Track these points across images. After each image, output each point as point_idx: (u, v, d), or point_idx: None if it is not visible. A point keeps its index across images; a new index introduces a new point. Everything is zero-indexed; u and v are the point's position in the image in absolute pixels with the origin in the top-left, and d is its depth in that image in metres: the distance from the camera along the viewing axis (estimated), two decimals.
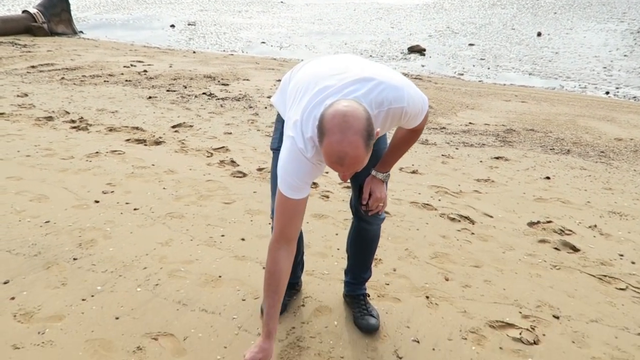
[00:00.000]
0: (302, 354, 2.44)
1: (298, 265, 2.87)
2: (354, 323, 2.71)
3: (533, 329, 2.76)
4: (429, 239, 3.85)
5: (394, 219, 4.20)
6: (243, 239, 3.66)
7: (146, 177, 4.81)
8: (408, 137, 2.31)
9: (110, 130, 6.24)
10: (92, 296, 2.82)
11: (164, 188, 4.56)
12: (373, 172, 2.40)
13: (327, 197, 4.57)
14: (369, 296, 2.87)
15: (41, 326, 2.52)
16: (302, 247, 2.85)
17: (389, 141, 2.42)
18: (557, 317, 2.90)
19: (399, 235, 3.90)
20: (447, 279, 3.25)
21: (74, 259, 3.23)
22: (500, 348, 2.59)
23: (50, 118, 6.60)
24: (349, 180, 2.13)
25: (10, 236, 3.48)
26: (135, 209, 4.08)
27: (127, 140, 5.89)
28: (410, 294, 3.05)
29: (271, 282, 2.09)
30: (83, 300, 2.78)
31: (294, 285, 2.93)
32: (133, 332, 2.52)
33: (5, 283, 2.89)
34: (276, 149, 2.41)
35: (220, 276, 3.13)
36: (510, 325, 2.79)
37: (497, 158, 5.92)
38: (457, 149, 6.24)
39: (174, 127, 6.51)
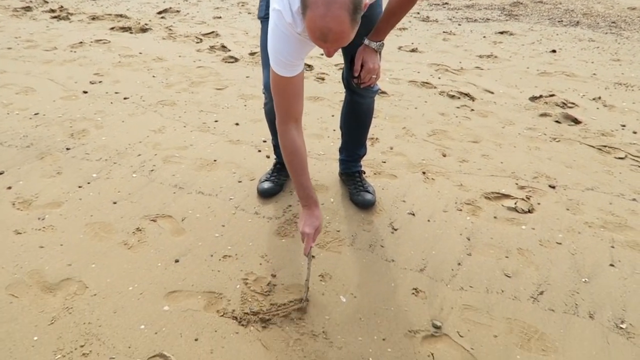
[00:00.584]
0: (298, 230, 2.48)
1: None
2: (350, 199, 2.72)
3: (528, 198, 2.78)
4: (427, 117, 3.76)
5: (392, 99, 4.07)
6: (237, 124, 3.59)
7: (134, 65, 4.62)
8: (405, 1, 2.11)
9: (93, 19, 5.89)
10: (89, 183, 2.82)
11: (153, 76, 4.39)
12: (366, 42, 2.23)
13: (323, 79, 4.40)
14: (364, 173, 2.86)
15: (40, 212, 2.55)
16: None
17: (384, 6, 2.22)
18: (553, 187, 2.91)
19: (396, 114, 3.81)
20: (444, 155, 3.22)
21: (67, 149, 3.19)
22: (495, 217, 2.63)
23: (28, 8, 6.21)
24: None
25: (0, 129, 3.42)
26: (125, 98, 3.96)
27: (112, 28, 5.58)
28: (407, 171, 3.04)
29: (295, 162, 2.01)
30: (79, 187, 2.79)
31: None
32: (131, 215, 2.56)
33: (0, 174, 2.88)
34: (264, 17, 2.23)
35: (215, 160, 3.11)
36: (505, 196, 2.80)
37: (501, 33, 5.60)
38: (459, 25, 5.90)
39: (159, 13, 6.13)
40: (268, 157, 3.14)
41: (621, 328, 1.97)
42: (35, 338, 1.85)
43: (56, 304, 2.00)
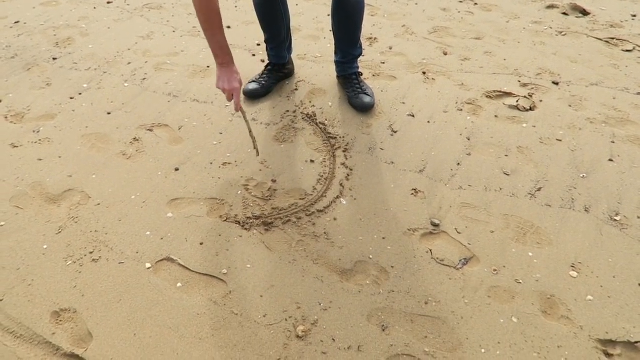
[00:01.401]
0: (298, 135, 2.46)
1: (282, 44, 2.68)
2: (349, 103, 2.66)
3: (531, 96, 2.72)
4: (428, 13, 3.57)
5: None
6: (229, 27, 3.41)
7: None
8: None
9: None
10: (80, 94, 2.75)
11: None
12: None
13: None
14: (362, 75, 2.77)
15: (34, 125, 2.52)
16: (287, 23, 2.63)
17: None
18: (557, 84, 2.83)
19: (395, 11, 3.61)
20: (445, 54, 3.10)
21: (54, 58, 3.07)
22: (496, 116, 2.58)
23: None
24: None
25: None
26: (108, 2, 3.74)
27: None
28: (406, 71, 2.94)
29: (210, 18, 1.98)
30: (71, 98, 2.72)
31: (282, 68, 2.79)
32: (127, 125, 2.52)
33: None
34: None
35: (208, 66, 3.00)
36: (507, 94, 2.74)
37: None
38: None
39: None
40: (263, 61, 3.02)
41: (615, 220, 2.01)
42: (45, 246, 1.90)
43: (61, 214, 2.04)
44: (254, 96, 2.69)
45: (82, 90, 2.78)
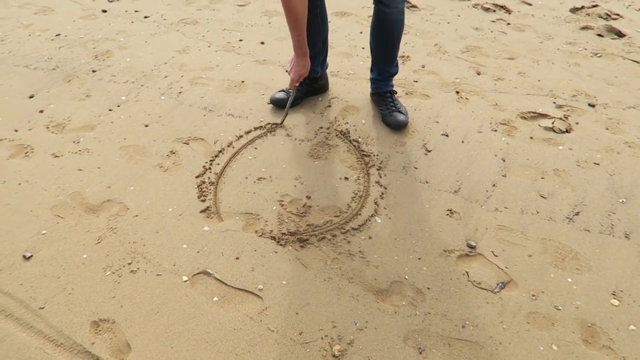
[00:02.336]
0: (331, 152, 2.47)
1: (316, 57, 2.67)
2: (382, 120, 2.67)
3: (566, 118, 2.69)
4: (460, 32, 3.57)
5: (423, 13, 3.86)
6: (262, 43, 3.47)
7: None
8: None
9: None
10: (118, 106, 2.81)
11: None
12: None
13: None
14: (396, 93, 2.77)
15: (75, 136, 2.58)
16: (324, 37, 2.69)
17: None
18: (593, 106, 2.80)
19: (428, 30, 3.62)
20: (478, 73, 3.09)
21: (93, 71, 3.15)
22: (531, 138, 2.56)
23: None
24: None
25: (24, 51, 3.37)
26: (145, 17, 3.84)
27: None
28: (439, 90, 2.94)
29: (294, 18, 2.20)
30: (110, 110, 2.78)
31: (313, 82, 2.79)
32: (164, 138, 2.57)
33: (30, 97, 2.88)
34: None
35: (243, 81, 3.04)
36: (542, 116, 2.71)
37: None
38: None
39: None
40: None
41: None
42: (85, 256, 1.94)
43: (100, 224, 2.08)
44: (278, 105, 2.76)
45: (120, 102, 2.84)
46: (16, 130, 2.61)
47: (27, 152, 2.46)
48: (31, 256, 1.93)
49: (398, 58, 2.66)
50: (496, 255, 1.95)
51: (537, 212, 2.13)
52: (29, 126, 2.64)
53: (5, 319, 1.71)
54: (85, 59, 3.28)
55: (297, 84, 2.51)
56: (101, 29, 3.66)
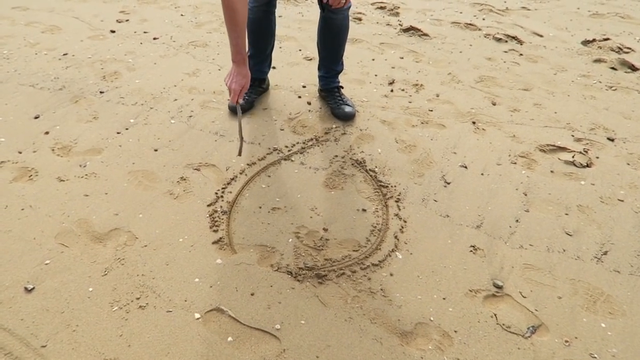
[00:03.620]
0: (347, 181, 2.40)
1: (265, 60, 2.95)
2: (332, 114, 2.87)
3: (586, 152, 2.63)
4: (473, 62, 3.55)
5: (435, 42, 3.84)
6: (274, 67, 3.42)
7: (160, 3, 4.40)
8: None
9: None
10: (127, 129, 2.73)
11: (181, 15, 4.18)
12: None
13: (360, 19, 4.15)
14: (342, 88, 2.96)
15: (81, 159, 2.49)
16: (273, 40, 2.90)
17: None
18: (612, 140, 2.75)
19: (440, 59, 3.60)
20: (494, 104, 3.05)
21: (101, 92, 3.08)
22: (552, 172, 2.50)
23: None
24: None
25: (30, 70, 3.31)
26: (155, 39, 3.79)
27: None
28: (455, 120, 2.89)
29: (234, 19, 2.11)
30: (118, 133, 2.70)
31: (262, 82, 3.01)
32: (174, 163, 2.48)
33: (36, 118, 2.80)
34: None
35: (254, 107, 2.98)
36: (562, 149, 2.66)
37: None
38: None
39: None
40: (309, 103, 3.00)
41: None
42: (90, 289, 1.83)
43: (107, 254, 1.97)
44: (234, 111, 2.83)
45: (128, 125, 2.77)
46: (20, 152, 2.51)
47: (31, 176, 2.36)
48: (33, 288, 1.82)
49: (410, 86, 2.65)
50: (524, 297, 1.85)
51: (564, 251, 2.05)
52: (34, 148, 2.55)
53: (5, 357, 1.59)
54: (92, 79, 3.22)
55: (241, 100, 2.27)
56: (109, 49, 3.61)
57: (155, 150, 2.57)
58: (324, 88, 2.95)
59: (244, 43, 2.19)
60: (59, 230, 2.07)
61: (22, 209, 2.16)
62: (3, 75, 3.23)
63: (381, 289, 1.86)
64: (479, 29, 4.02)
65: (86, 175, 2.39)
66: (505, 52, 3.68)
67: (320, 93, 3.01)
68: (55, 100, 2.97)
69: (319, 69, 2.94)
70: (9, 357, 1.59)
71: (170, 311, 1.76)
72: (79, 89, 3.10)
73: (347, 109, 2.82)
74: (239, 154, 2.33)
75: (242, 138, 2.28)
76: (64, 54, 3.51)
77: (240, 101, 2.24)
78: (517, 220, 2.19)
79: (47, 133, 2.67)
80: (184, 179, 2.38)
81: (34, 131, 2.69)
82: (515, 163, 2.55)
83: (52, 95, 3.03)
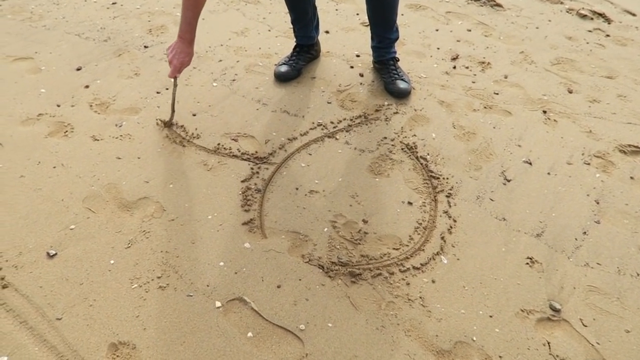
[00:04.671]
0: (395, 168, 2.18)
1: (309, 24, 2.67)
2: (385, 89, 2.61)
3: None
4: (550, 40, 3.16)
5: (508, 14, 3.45)
6: (327, 32, 3.17)
7: None
8: None
9: None
10: (167, 89, 2.59)
11: None
12: None
13: None
14: (398, 60, 2.67)
15: (118, 118, 2.38)
16: (313, 2, 2.64)
17: None
18: None
19: (513, 34, 3.22)
20: (570, 91, 2.69)
21: (145, 46, 2.95)
22: (632, 178, 2.18)
23: None
24: None
25: (78, 18, 3.21)
26: None
27: None
28: (523, 107, 2.57)
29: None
30: (157, 93, 2.57)
31: (310, 49, 2.77)
32: (211, 131, 2.33)
33: (78, 70, 2.71)
34: None
35: (302, 74, 2.76)
36: None
37: None
38: None
39: None
40: (361, 75, 2.75)
41: None
42: (112, 261, 1.74)
43: (133, 225, 1.87)
44: (286, 78, 2.67)
45: (169, 84, 2.63)
46: (58, 106, 2.43)
47: (66, 132, 2.28)
48: (55, 254, 1.75)
49: (475, 63, 2.33)
50: (585, 325, 1.62)
51: (638, 275, 1.78)
52: (72, 102, 2.47)
53: (19, 326, 1.53)
54: (138, 32, 3.08)
55: (179, 74, 2.19)
56: (158, 0, 3.45)
57: (194, 115, 2.43)
58: (377, 60, 2.69)
59: (196, 24, 2.11)
60: (88, 193, 1.98)
61: (54, 167, 2.09)
62: (51, 21, 3.16)
63: (420, 297, 1.67)
64: (561, 2, 3.58)
65: (121, 136, 2.28)
66: (590, 31, 3.25)
67: (374, 65, 2.75)
68: (99, 52, 2.87)
69: (372, 38, 2.66)
70: (23, 326, 1.53)
71: (191, 295, 1.65)
72: (123, 41, 2.98)
73: (402, 84, 2.56)
74: (170, 123, 2.34)
75: (173, 112, 2.32)
76: (112, 3, 3.39)
77: (177, 76, 2.20)
78: (584, 233, 1.92)
79: (87, 87, 2.58)
80: (220, 150, 2.23)
81: (75, 84, 2.60)
82: (588, 164, 2.24)
83: (96, 46, 2.92)
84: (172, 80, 2.25)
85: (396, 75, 2.60)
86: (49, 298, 1.62)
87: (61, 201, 1.94)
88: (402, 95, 2.56)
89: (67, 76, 2.65)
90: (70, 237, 1.81)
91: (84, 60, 2.79)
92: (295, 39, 2.75)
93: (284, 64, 2.71)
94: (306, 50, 2.75)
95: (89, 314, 1.58)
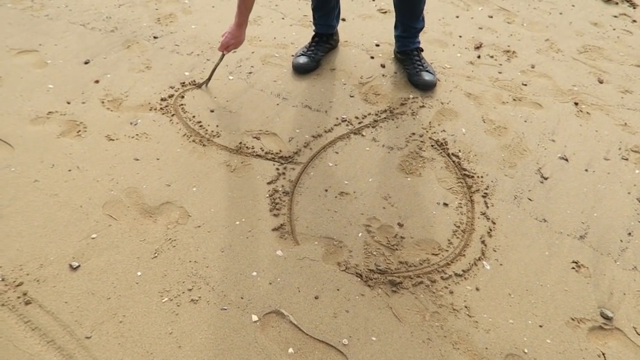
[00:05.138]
0: (426, 166, 2.08)
1: (331, 12, 2.55)
2: (409, 80, 2.50)
3: None
4: (575, 27, 3.04)
5: None
6: (344, 19, 3.04)
7: None
8: None
9: None
10: (182, 83, 2.47)
11: None
12: None
13: None
14: (422, 50, 2.54)
15: (132, 116, 2.27)
16: None
17: None
18: None
19: (536, 20, 3.11)
20: (601, 81, 2.60)
21: (155, 37, 2.81)
22: None
23: None
24: None
25: (82, 7, 3.05)
26: None
27: None
28: (554, 99, 2.47)
29: None
30: (171, 87, 2.45)
31: (329, 38, 2.65)
32: (231, 128, 2.22)
33: (86, 63, 2.58)
34: None
35: (320, 65, 2.64)
36: None
37: None
38: None
39: None
40: (383, 66, 2.64)
41: None
42: (139, 273, 1.65)
43: (158, 232, 1.77)
44: (305, 70, 2.56)
45: (183, 78, 2.51)
46: (69, 103, 2.31)
47: (79, 131, 2.17)
48: (79, 266, 1.65)
49: (501, 52, 2.24)
50: (639, 334, 1.55)
51: None
52: (83, 98, 2.34)
53: (47, 346, 1.44)
54: (146, 21, 2.94)
55: (225, 52, 2.34)
56: None
57: (212, 111, 2.32)
58: (400, 50, 2.57)
59: (246, 11, 2.19)
60: (107, 198, 1.88)
61: (69, 170, 1.98)
62: (54, 10, 3.00)
63: (465, 307, 1.60)
64: None
65: (137, 135, 2.17)
66: (615, 16, 3.14)
67: (397, 55, 2.63)
68: (107, 44, 2.73)
69: (396, 27, 2.54)
70: (51, 346, 1.45)
71: (225, 309, 1.56)
72: (131, 32, 2.84)
73: (428, 76, 2.44)
74: (200, 86, 2.44)
75: (210, 77, 2.43)
76: None
77: (225, 52, 2.35)
78: (629, 234, 1.85)
79: (97, 82, 2.45)
80: (242, 148, 2.13)
81: (84, 78, 2.47)
82: (626, 159, 2.15)
83: (103, 37, 2.78)
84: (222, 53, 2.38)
85: (421, 67, 2.48)
86: (76, 315, 1.53)
87: (80, 207, 1.84)
88: (427, 88, 2.44)
89: (75, 70, 2.52)
90: (92, 247, 1.71)
91: (92, 53, 2.65)
92: (314, 28, 2.62)
93: (302, 54, 2.59)
94: (325, 40, 2.63)
95: (120, 332, 1.49)
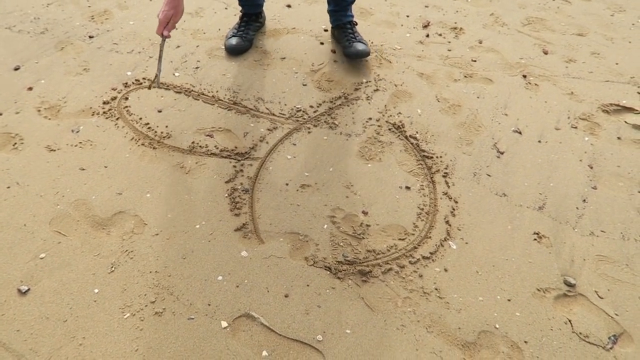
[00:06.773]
0: (385, 151, 2.07)
1: None
2: (344, 54, 2.49)
3: None
4: (518, 0, 3.09)
5: None
6: (289, 6, 2.96)
7: None
8: None
9: None
10: (125, 84, 2.34)
11: None
12: None
13: None
14: (356, 24, 2.55)
15: (73, 122, 2.13)
16: None
17: None
18: None
19: None
20: (545, 52, 2.65)
21: (90, 36, 2.64)
22: (619, 138, 2.17)
23: None
24: None
25: (5, 9, 2.83)
26: None
27: None
28: (503, 73, 2.50)
29: None
30: (113, 89, 2.31)
31: (257, 17, 2.64)
32: (182, 128, 2.13)
33: (16, 69, 2.39)
34: None
35: (268, 54, 2.57)
36: (627, 109, 2.31)
37: None
38: None
39: None
40: (334, 51, 2.59)
41: None
42: (96, 290, 1.55)
43: (113, 245, 1.68)
44: (239, 51, 2.53)
45: (125, 78, 2.37)
46: (0, 114, 2.14)
47: (15, 144, 2.01)
48: (28, 290, 1.54)
49: (448, 29, 2.24)
50: (601, 297, 1.60)
51: None
52: (16, 108, 2.18)
53: None
54: (79, 20, 2.76)
55: (167, 33, 1.93)
56: None
57: (160, 111, 2.21)
58: (335, 25, 2.57)
59: None
60: (54, 214, 1.76)
61: (8, 187, 1.84)
62: None
63: (435, 289, 1.60)
64: None
65: (80, 143, 2.04)
66: None
67: (333, 33, 2.64)
68: (38, 47, 2.54)
69: (328, 2, 2.53)
70: None
71: (193, 318, 1.50)
72: (64, 32, 2.66)
73: (360, 46, 2.41)
74: (150, 87, 2.22)
75: (159, 73, 2.04)
76: None
77: (165, 33, 1.93)
78: (584, 200, 1.90)
79: (30, 89, 2.29)
80: (196, 148, 2.04)
81: (16, 86, 2.30)
82: (575, 127, 2.21)
83: (33, 40, 2.59)
84: (162, 38, 1.98)
85: (353, 38, 2.47)
86: (30, 342, 1.42)
87: (24, 226, 1.71)
88: (360, 56, 2.42)
89: (5, 78, 2.34)
90: (41, 267, 1.60)
91: (22, 58, 2.47)
92: (241, 8, 2.58)
93: (233, 36, 2.54)
94: (254, 19, 2.61)
95: (81, 355, 1.40)
